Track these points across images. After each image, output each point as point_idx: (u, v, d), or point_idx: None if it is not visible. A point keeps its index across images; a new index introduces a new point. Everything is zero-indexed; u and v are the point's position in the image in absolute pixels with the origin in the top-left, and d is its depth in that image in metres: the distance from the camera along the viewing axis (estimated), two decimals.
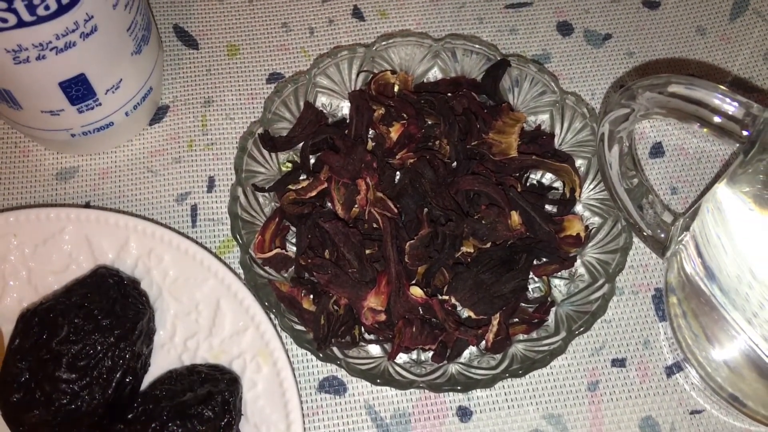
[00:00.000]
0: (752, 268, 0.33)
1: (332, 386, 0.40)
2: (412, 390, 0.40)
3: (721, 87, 0.32)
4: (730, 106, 0.31)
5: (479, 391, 0.40)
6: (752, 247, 0.33)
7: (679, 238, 0.37)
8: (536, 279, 0.42)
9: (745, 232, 0.32)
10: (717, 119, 0.31)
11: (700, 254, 0.36)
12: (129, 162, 0.45)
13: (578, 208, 0.43)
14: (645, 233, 0.39)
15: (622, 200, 0.36)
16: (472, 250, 0.40)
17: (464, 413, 0.39)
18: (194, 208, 0.44)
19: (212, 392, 0.35)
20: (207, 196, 0.45)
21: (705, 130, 0.32)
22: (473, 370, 0.38)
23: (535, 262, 0.41)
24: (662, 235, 0.38)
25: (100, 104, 0.41)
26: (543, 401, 0.40)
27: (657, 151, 0.47)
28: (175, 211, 0.44)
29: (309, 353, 0.39)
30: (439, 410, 0.39)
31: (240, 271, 0.40)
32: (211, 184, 0.45)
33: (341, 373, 0.40)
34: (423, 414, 0.39)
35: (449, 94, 0.44)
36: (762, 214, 0.31)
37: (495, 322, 0.38)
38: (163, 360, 0.38)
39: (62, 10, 0.35)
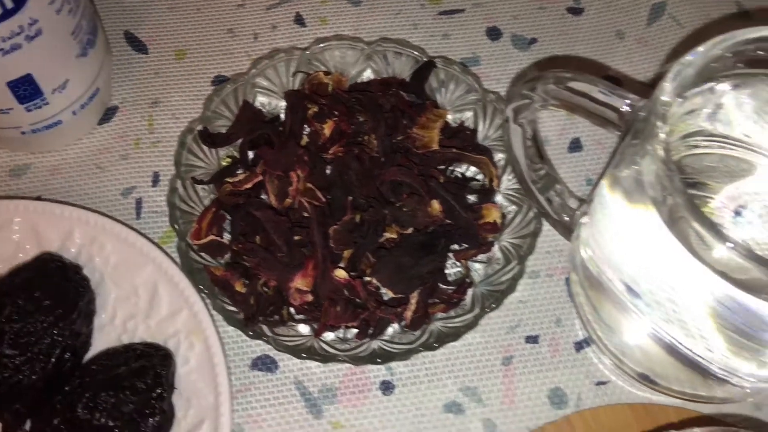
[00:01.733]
0: (631, 254, 0.36)
1: (264, 364, 0.43)
2: (339, 366, 0.42)
3: (603, 81, 0.35)
4: (610, 97, 0.35)
5: (401, 366, 0.43)
6: (627, 235, 0.36)
7: (580, 222, 0.41)
8: (457, 263, 0.45)
9: (620, 219, 0.36)
10: (599, 109, 0.35)
11: (592, 239, 0.39)
12: (78, 159, 0.48)
13: (498, 198, 0.46)
14: (552, 218, 0.42)
15: (526, 182, 0.40)
16: (395, 236, 0.43)
17: (387, 387, 0.42)
18: (139, 202, 0.47)
19: (146, 366, 0.38)
20: (152, 190, 0.48)
21: (591, 120, 0.35)
22: (393, 345, 0.41)
23: (456, 248, 0.45)
24: (567, 219, 0.41)
25: (47, 103, 0.44)
26: (460, 375, 0.43)
27: (575, 146, 0.50)
28: (120, 204, 0.47)
29: (242, 334, 0.42)
30: (363, 384, 0.42)
31: (178, 257, 0.42)
32: (155, 179, 0.48)
33: (273, 352, 0.43)
34: (348, 388, 0.42)
35: (379, 93, 0.48)
36: (630, 203, 0.34)
37: (413, 301, 0.41)
38: (103, 341, 0.41)
39: (7, 14, 0.38)
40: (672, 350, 0.38)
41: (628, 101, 0.34)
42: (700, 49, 0.33)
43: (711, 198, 0.37)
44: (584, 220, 0.40)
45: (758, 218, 0.36)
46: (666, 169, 0.30)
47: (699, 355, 0.37)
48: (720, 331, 0.35)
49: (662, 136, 0.31)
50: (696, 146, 0.36)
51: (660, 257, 0.35)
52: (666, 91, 0.32)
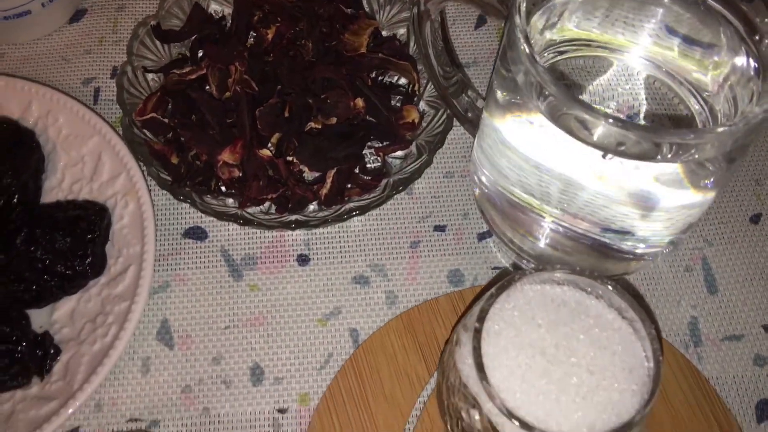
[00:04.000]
0: (521, 153, 0.40)
1: (195, 233, 0.47)
2: (261, 239, 0.47)
3: None
4: None
5: (317, 241, 0.47)
6: (515, 134, 0.40)
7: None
8: (379, 159, 0.49)
9: (508, 122, 0.40)
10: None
11: (488, 137, 0.43)
12: (46, 51, 0.53)
13: (421, 105, 0.50)
14: (460, 114, 0.46)
15: (432, 68, 0.44)
16: (319, 126, 0.48)
17: (303, 259, 0.47)
18: (97, 90, 0.52)
19: (82, 215, 0.43)
20: (110, 82, 0.52)
21: (480, 11, 0.39)
22: (308, 217, 0.45)
23: (378, 144, 0.49)
24: (470, 116, 0.46)
25: None
26: (370, 254, 0.47)
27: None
28: (80, 92, 0.52)
29: (176, 204, 0.47)
30: (282, 256, 0.47)
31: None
32: (114, 73, 0.53)
33: (203, 224, 0.48)
34: (268, 258, 0.47)
35: (320, 3, 0.52)
36: (514, 109, 0.39)
37: (329, 180, 0.46)
38: (52, 201, 0.46)
39: None
40: (568, 236, 0.42)
41: None
42: None
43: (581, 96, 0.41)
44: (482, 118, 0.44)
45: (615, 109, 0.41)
46: (538, 73, 0.34)
47: (596, 234, 0.41)
48: (609, 206, 0.39)
49: (526, 49, 0.35)
50: (562, 52, 0.40)
51: (547, 152, 0.39)
52: (520, 10, 0.35)
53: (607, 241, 0.42)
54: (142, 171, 0.46)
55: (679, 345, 0.44)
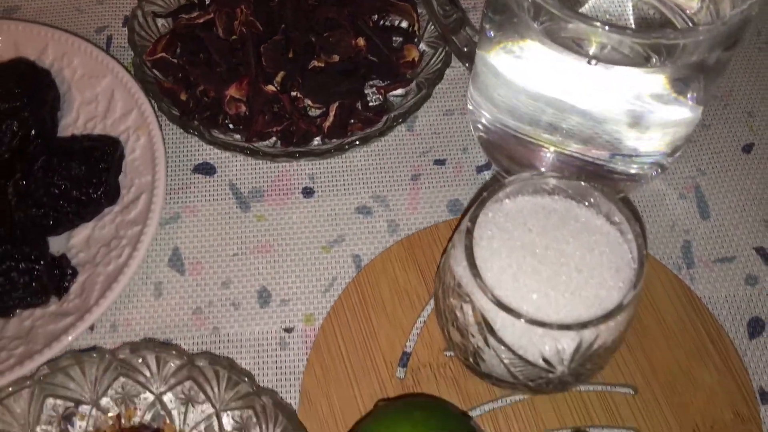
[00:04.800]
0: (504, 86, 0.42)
1: (204, 169, 0.49)
2: (267, 174, 0.49)
3: None
4: None
5: (321, 174, 0.49)
6: (512, 64, 0.41)
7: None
8: (380, 98, 0.51)
9: (492, 53, 0.42)
10: None
11: (478, 72, 0.45)
12: (61, 2, 0.55)
13: (422, 45, 0.52)
14: (457, 48, 0.48)
15: (431, 5, 0.45)
16: (322, 65, 0.49)
17: (308, 192, 0.49)
18: (110, 38, 0.54)
19: (96, 146, 0.45)
20: (122, 30, 0.54)
21: None
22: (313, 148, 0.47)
23: (379, 83, 0.51)
24: (467, 50, 0.47)
25: None
26: (373, 186, 0.49)
27: None
28: (94, 39, 0.54)
29: (186, 140, 0.49)
30: (288, 189, 0.49)
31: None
32: (125, 21, 0.55)
33: (212, 159, 0.49)
34: (274, 191, 0.49)
35: None
36: (513, 36, 0.40)
37: (331, 114, 0.48)
38: None
39: None
40: (561, 160, 0.44)
41: None
42: None
43: None
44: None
45: None
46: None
47: (589, 156, 0.42)
48: (600, 124, 0.41)
49: None
50: None
51: (539, 77, 0.41)
52: None
53: (601, 162, 0.43)
54: (153, 108, 0.48)
55: (672, 267, 0.46)
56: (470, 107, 0.48)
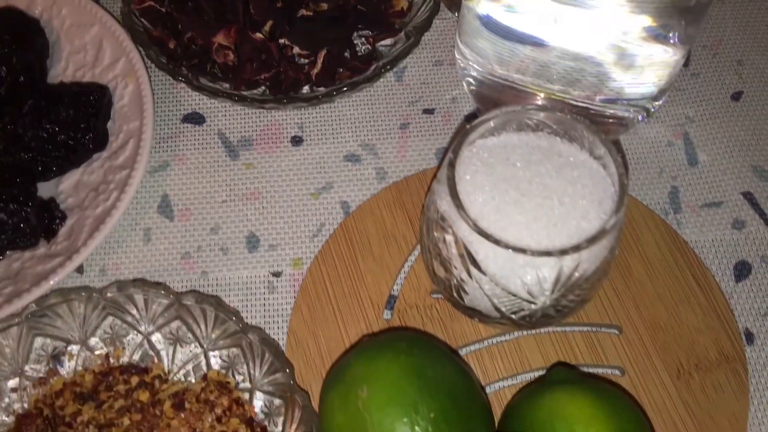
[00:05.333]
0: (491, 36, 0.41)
1: (193, 118, 0.49)
2: (256, 122, 0.49)
3: None
4: None
5: (309, 123, 0.49)
6: None
7: None
8: (369, 47, 0.51)
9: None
10: None
11: (466, 23, 0.45)
12: None
13: None
14: None
15: None
16: (311, 14, 0.49)
17: (297, 141, 0.49)
18: None
19: (83, 91, 0.45)
20: None
21: None
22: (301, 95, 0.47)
23: (368, 34, 0.51)
24: None
25: None
26: (361, 135, 0.49)
27: None
28: None
29: (175, 88, 0.49)
30: (276, 137, 0.49)
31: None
32: None
33: (201, 109, 0.50)
34: (263, 140, 0.49)
35: None
36: None
37: (319, 61, 0.48)
38: None
39: None
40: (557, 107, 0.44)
41: None
42: None
43: None
44: None
45: None
46: None
47: (575, 99, 0.42)
48: (586, 66, 0.41)
49: None
50: None
51: (525, 23, 0.41)
52: None
53: (587, 103, 0.43)
54: (142, 56, 0.48)
55: (659, 213, 0.46)
56: (458, 56, 0.48)
